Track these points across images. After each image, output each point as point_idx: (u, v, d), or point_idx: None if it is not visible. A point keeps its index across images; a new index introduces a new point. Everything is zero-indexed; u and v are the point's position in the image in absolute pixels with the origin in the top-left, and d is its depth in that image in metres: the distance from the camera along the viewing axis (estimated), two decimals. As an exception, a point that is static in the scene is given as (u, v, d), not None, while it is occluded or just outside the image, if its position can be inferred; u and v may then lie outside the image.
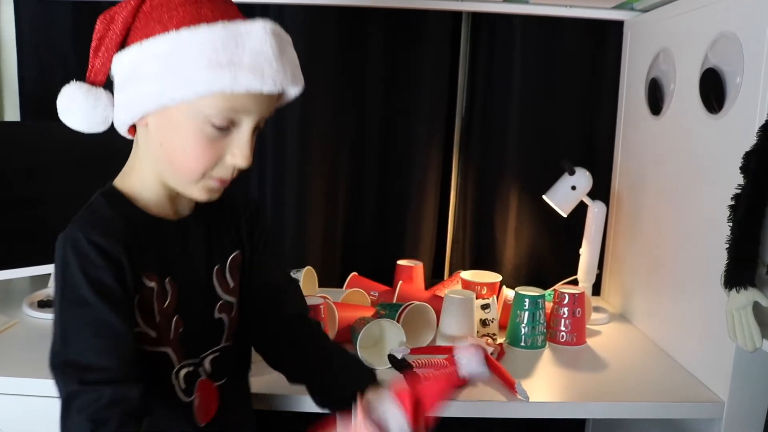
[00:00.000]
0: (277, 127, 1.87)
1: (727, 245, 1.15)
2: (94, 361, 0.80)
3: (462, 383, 0.80)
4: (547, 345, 1.57)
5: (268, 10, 1.82)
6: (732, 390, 1.26)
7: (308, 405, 1.24)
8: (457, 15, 1.89)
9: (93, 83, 0.90)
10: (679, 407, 1.28)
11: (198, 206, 1.01)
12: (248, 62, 0.82)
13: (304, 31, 1.82)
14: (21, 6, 1.79)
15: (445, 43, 1.89)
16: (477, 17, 1.89)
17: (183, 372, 0.95)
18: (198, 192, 0.92)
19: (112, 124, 0.93)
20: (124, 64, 0.88)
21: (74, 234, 0.84)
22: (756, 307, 1.11)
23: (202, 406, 0.97)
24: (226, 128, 0.87)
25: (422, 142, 1.92)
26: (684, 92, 1.49)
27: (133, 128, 0.93)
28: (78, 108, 0.89)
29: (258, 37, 0.84)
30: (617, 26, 1.88)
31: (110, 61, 0.89)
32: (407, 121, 1.91)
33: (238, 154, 0.88)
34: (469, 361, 0.94)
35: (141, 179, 0.94)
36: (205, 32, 0.82)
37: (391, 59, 1.88)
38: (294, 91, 0.92)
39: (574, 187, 1.76)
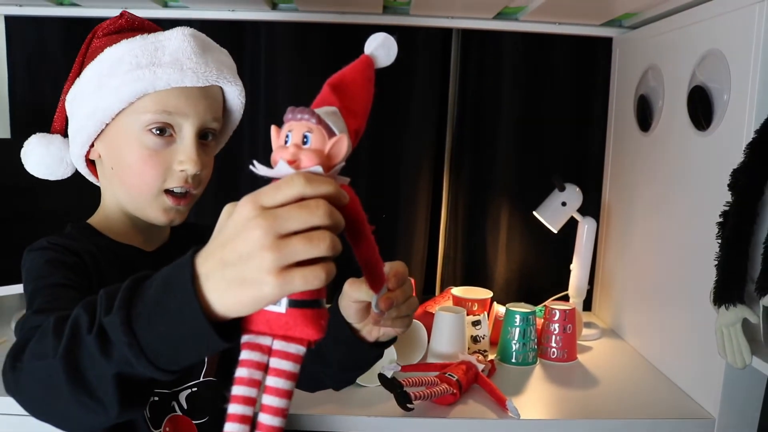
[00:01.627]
0: (267, 145, 1.86)
1: (716, 262, 1.15)
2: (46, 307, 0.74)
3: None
4: (538, 361, 1.57)
5: (258, 27, 1.82)
6: (722, 407, 1.26)
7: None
8: (447, 32, 1.90)
9: (52, 132, 0.97)
10: (669, 424, 1.28)
11: (174, 235, 1.01)
12: (168, 60, 0.86)
13: (295, 48, 1.83)
14: (12, 23, 1.79)
15: (435, 60, 1.90)
16: (467, 34, 1.90)
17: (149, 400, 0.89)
18: (156, 213, 0.91)
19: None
20: (69, 100, 0.93)
21: (37, 242, 0.86)
22: (745, 323, 1.11)
23: None
24: (166, 135, 0.87)
25: (412, 158, 1.92)
26: (672, 109, 1.50)
27: (94, 169, 0.97)
28: (32, 151, 0.95)
29: (177, 39, 0.87)
30: (606, 43, 1.89)
31: (64, 107, 0.94)
32: (397, 137, 1.91)
33: (184, 159, 0.88)
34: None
35: (106, 212, 0.96)
36: (125, 44, 0.87)
37: (381, 76, 1.88)
38: (231, 89, 0.93)
39: (564, 203, 1.77)
